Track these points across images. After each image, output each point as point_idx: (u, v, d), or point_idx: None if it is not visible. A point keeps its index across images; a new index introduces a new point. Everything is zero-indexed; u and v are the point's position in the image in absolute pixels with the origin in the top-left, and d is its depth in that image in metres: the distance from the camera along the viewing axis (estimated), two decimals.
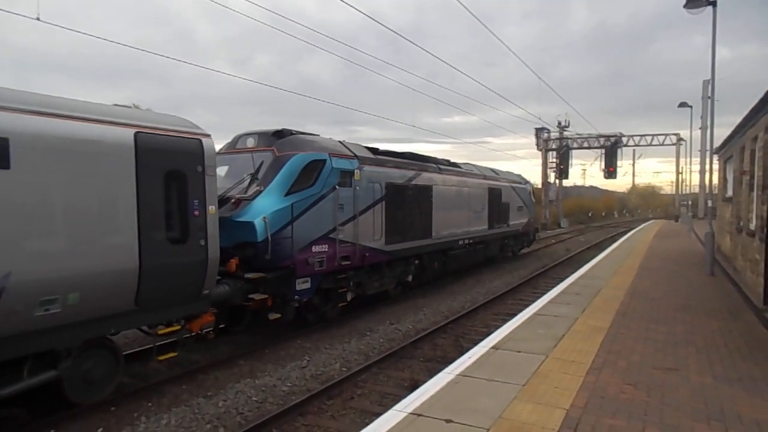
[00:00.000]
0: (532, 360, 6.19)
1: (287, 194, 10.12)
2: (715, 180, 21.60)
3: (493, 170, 22.25)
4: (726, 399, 5.16)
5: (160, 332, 7.95)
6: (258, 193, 9.94)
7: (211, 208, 8.14)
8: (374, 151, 13.36)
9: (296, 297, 10.23)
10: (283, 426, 6.71)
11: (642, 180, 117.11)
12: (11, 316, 5.78)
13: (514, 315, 9.12)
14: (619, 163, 46.80)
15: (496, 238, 20.91)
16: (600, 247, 28.31)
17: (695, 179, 71.15)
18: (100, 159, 6.72)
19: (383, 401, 7.50)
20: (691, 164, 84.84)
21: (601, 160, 47.06)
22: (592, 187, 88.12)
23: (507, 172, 24.52)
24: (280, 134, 11.03)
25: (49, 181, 6.16)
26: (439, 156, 17.03)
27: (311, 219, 10.49)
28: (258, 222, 9.48)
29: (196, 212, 7.89)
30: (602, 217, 74.99)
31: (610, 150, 45.93)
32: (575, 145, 48.56)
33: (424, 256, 15.11)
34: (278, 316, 10.03)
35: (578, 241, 36.98)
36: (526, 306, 9.88)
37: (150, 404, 7.41)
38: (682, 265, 15.89)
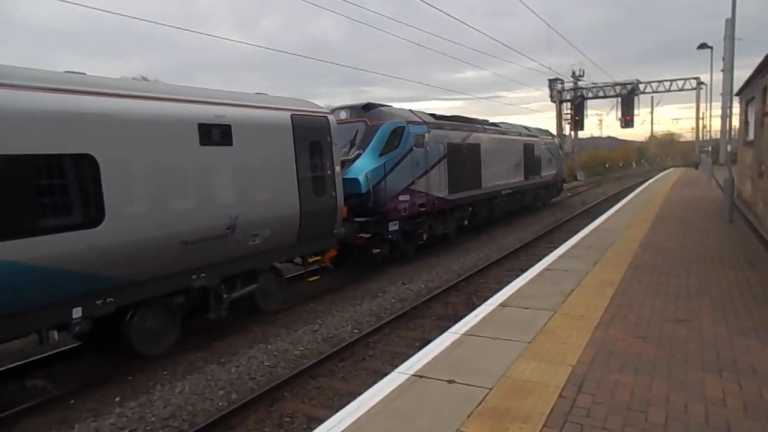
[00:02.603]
0: (540, 316, 6.11)
1: (380, 155, 12.92)
2: (736, 124, 20.86)
3: (525, 127, 24.78)
4: (739, 350, 5.03)
5: (310, 260, 10.86)
6: (359, 155, 12.74)
7: (337, 168, 10.96)
8: (436, 116, 15.99)
9: (389, 236, 13.26)
10: (294, 389, 6.79)
11: (660, 128, 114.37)
12: (238, 244, 8.70)
13: (525, 270, 9.01)
14: (636, 111, 45.51)
15: (530, 188, 23.53)
16: (616, 198, 27.85)
17: (716, 124, 69.10)
18: (275, 135, 9.47)
19: (394, 361, 7.54)
20: (711, 109, 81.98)
21: (617, 110, 45.81)
22: (608, 138, 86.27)
23: (537, 128, 26.69)
24: (368, 107, 13.66)
25: (253, 153, 8.92)
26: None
27: (398, 174, 13.30)
28: (362, 178, 12.34)
29: (329, 171, 10.67)
30: (620, 167, 73.69)
31: (627, 98, 44.61)
32: (590, 95, 47.24)
33: (475, 204, 17.92)
34: (378, 250, 13.40)
35: (594, 193, 36.46)
36: (539, 261, 9.76)
37: (165, 373, 7.56)
38: (699, 213, 15.53)
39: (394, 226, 13.29)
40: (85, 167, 6.61)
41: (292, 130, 9.76)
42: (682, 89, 45.58)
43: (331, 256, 11.45)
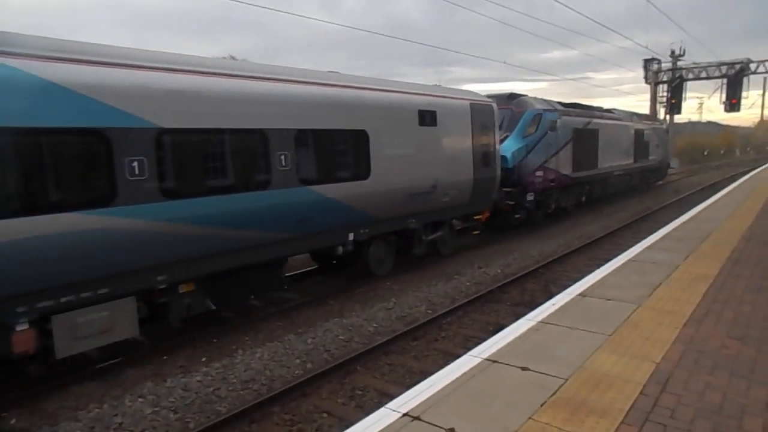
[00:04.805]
0: (622, 309, 5.81)
1: (523, 137, 15.79)
2: None
3: (635, 114, 27.20)
4: None
5: (476, 217, 13.73)
6: (506, 137, 15.54)
7: (498, 147, 13.83)
8: (564, 104, 18.65)
9: (526, 205, 16.01)
10: (367, 364, 6.96)
11: None
12: (435, 200, 11.64)
13: (609, 260, 8.60)
14: (744, 94, 41.39)
15: (638, 170, 25.76)
16: (715, 188, 25.79)
17: None
18: (461, 119, 12.32)
19: (467, 344, 7.51)
20: None
21: (721, 92, 41.98)
22: (709, 123, 79.68)
23: (645, 114, 29.99)
24: (512, 96, 16.67)
25: (448, 132, 11.82)
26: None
27: (535, 154, 16.09)
28: (509, 155, 15.18)
29: (492, 148, 13.46)
30: (720, 155, 67.91)
31: (734, 79, 40.68)
32: (691, 76, 43.55)
33: (592, 182, 20.56)
34: (518, 216, 15.97)
35: (689, 182, 33.99)
36: (624, 251, 9.27)
37: (247, 338, 7.99)
38: None
39: (530, 197, 16.02)
40: (362, 139, 9.68)
41: (471, 115, 12.57)
42: None
43: (486, 217, 14.21)
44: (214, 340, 7.92)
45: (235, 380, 6.51)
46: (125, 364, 7.03)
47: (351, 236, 9.83)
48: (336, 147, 9.25)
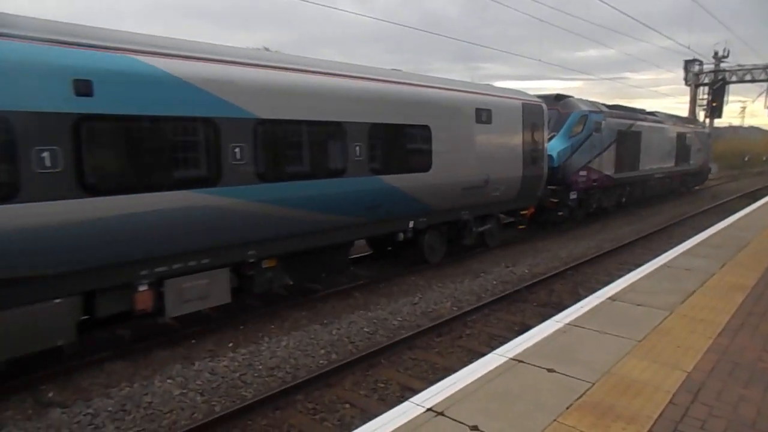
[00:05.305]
0: (654, 314, 5.69)
1: (569, 138, 16.23)
2: None
3: (677, 116, 27.77)
4: None
5: (522, 213, 14.25)
6: (553, 136, 15.86)
7: (545, 146, 14.24)
8: (608, 106, 18.86)
9: (569, 203, 16.43)
10: (391, 357, 6.99)
11: None
12: (487, 194, 12.11)
13: (641, 265, 8.42)
14: None
15: (679, 174, 25.70)
16: (754, 196, 24.94)
17: None
18: (513, 118, 12.83)
19: (491, 343, 7.48)
20: None
21: (766, 96, 40.56)
22: (752, 128, 76.87)
23: (687, 117, 30.21)
24: (558, 97, 16.97)
25: (501, 130, 12.33)
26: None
27: (580, 154, 16.52)
28: (555, 154, 15.53)
29: (540, 147, 13.86)
30: (763, 161, 65.51)
31: None
32: (734, 79, 42.12)
33: (633, 184, 20.72)
34: (561, 213, 16.43)
35: (728, 188, 32.94)
36: (657, 256, 9.07)
37: (273, 326, 8.11)
38: None
39: (573, 195, 16.48)
40: (425, 133, 10.31)
41: (522, 115, 13.04)
42: None
43: (531, 213, 14.66)
44: (241, 327, 8.06)
45: (260, 367, 6.62)
46: (155, 346, 7.22)
47: (411, 224, 10.47)
48: (402, 140, 9.96)
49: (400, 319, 8.45)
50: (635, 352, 4.68)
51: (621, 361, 4.50)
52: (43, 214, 5.53)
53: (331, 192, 8.56)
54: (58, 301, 5.93)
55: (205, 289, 7.26)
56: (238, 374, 6.42)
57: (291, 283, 8.85)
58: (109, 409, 5.57)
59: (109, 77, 5.95)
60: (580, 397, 3.87)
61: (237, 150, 7.19)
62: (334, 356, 7.03)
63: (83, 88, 5.74)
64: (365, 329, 7.96)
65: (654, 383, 4.10)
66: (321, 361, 6.87)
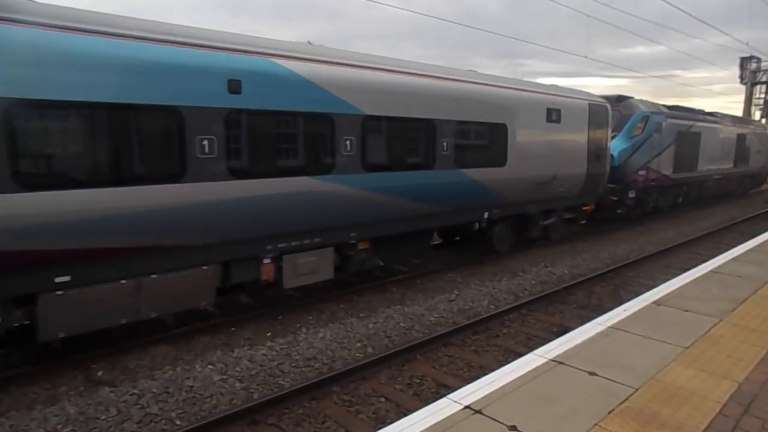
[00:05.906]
0: (701, 321, 5.50)
1: (630, 138, 16.60)
2: None
3: (736, 117, 27.32)
4: None
5: (584, 208, 14.62)
6: (614, 136, 16.00)
7: (608, 145, 14.65)
8: (669, 107, 19.02)
9: (627, 201, 16.76)
10: (427, 353, 6.98)
11: None
12: (553, 190, 12.67)
13: (687, 270, 8.14)
14: None
15: (737, 175, 25.34)
16: None
17: None
18: (580, 118, 13.30)
19: (528, 343, 7.39)
20: None
21: None
22: None
23: (746, 118, 29.90)
24: (620, 99, 17.25)
25: (569, 129, 12.84)
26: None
27: (640, 154, 16.82)
28: (616, 154, 15.88)
29: (603, 146, 14.29)
30: None
31: None
32: None
33: (690, 184, 20.73)
34: (620, 211, 16.86)
35: None
36: (704, 261, 8.75)
37: (310, 318, 8.22)
38: None
39: (632, 194, 16.75)
40: (502, 131, 10.98)
41: (588, 115, 13.54)
42: None
43: (592, 209, 15.11)
44: (279, 317, 8.20)
45: (297, 357, 6.73)
46: (196, 332, 7.43)
47: (486, 215, 11.22)
48: (482, 137, 10.73)
49: (436, 315, 8.43)
50: (682, 359, 4.54)
51: (666, 367, 4.37)
52: (202, 194, 6.62)
53: (422, 183, 9.44)
54: (205, 267, 7.01)
55: (315, 265, 8.25)
56: (275, 363, 6.53)
57: (381, 264, 9.68)
58: (154, 390, 5.77)
59: (254, 77, 6.99)
60: (623, 402, 3.79)
61: (348, 142, 8.12)
62: (370, 350, 7.08)
63: (234, 86, 6.80)
64: (401, 324, 7.98)
65: (701, 392, 3.97)
66: (357, 354, 6.92)
